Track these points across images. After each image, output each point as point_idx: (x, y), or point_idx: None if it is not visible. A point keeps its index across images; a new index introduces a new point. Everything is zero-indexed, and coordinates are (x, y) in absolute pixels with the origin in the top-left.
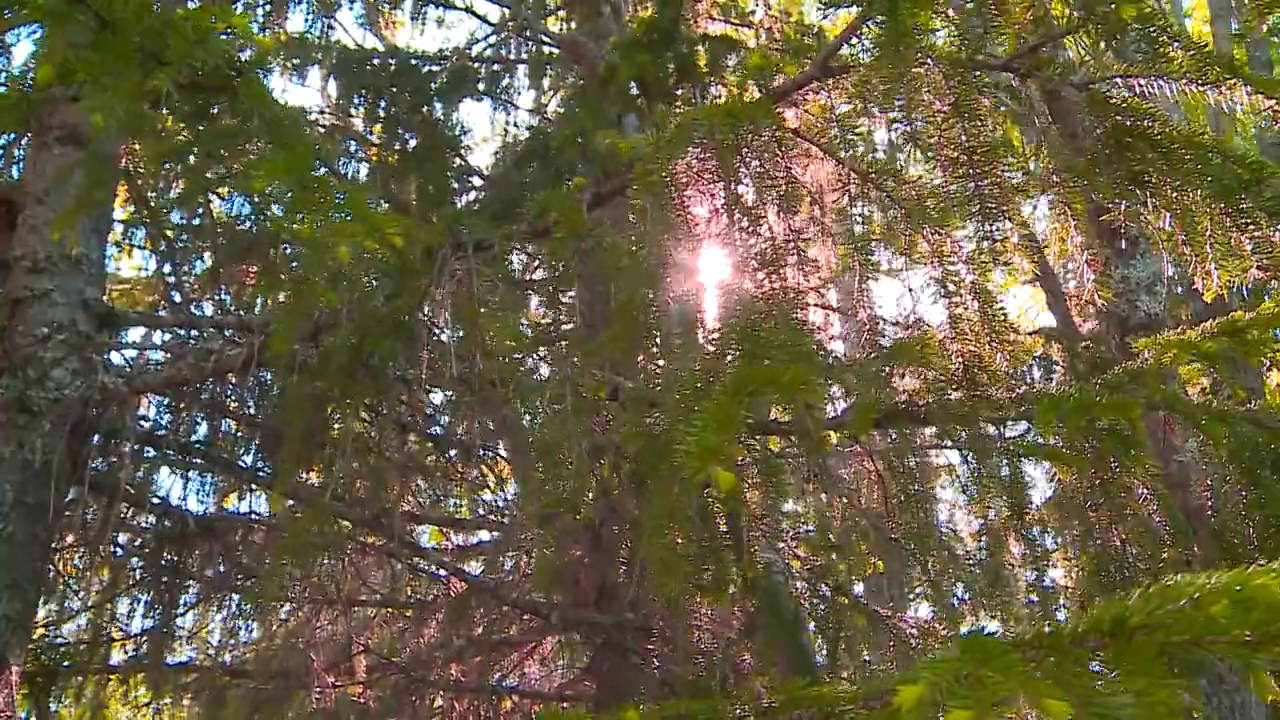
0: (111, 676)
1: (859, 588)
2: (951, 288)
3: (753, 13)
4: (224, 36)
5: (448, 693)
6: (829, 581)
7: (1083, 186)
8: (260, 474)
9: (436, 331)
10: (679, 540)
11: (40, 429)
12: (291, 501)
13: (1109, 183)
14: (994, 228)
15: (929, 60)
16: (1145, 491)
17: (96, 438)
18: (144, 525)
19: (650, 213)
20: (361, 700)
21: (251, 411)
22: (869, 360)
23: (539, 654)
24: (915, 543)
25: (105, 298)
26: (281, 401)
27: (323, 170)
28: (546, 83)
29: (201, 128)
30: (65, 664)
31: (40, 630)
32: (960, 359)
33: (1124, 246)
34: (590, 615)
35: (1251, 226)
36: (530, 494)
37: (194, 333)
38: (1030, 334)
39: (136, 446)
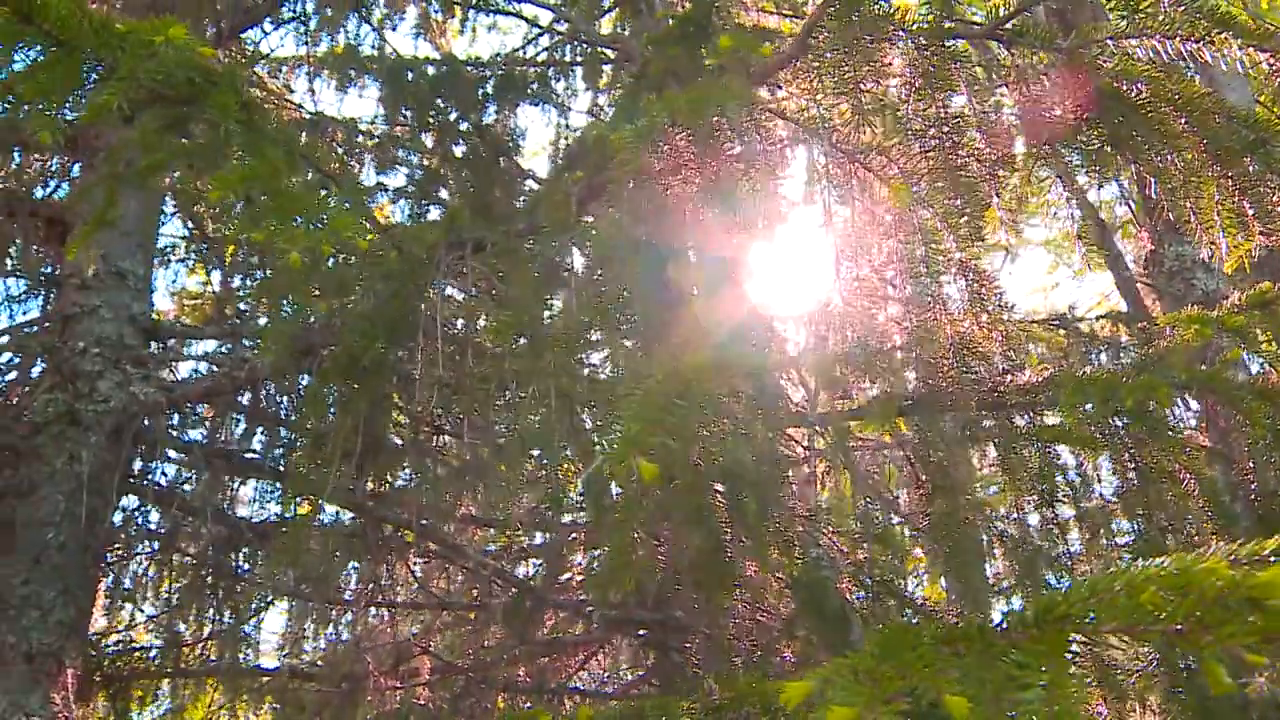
0: (185, 681)
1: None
2: (939, 267)
3: (805, 3)
4: (172, 50)
5: (508, 694)
6: (874, 575)
7: (1057, 156)
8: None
9: (432, 331)
10: (700, 540)
11: (88, 440)
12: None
13: (1087, 151)
14: (966, 201)
15: (900, 30)
16: (1186, 476)
17: (142, 447)
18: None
19: (626, 203)
20: (423, 703)
21: (286, 417)
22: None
23: (602, 655)
24: (945, 533)
25: (166, 311)
26: (304, 405)
27: (312, 176)
28: (603, 83)
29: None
30: (133, 669)
31: (114, 636)
32: (950, 342)
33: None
34: (635, 615)
35: (1255, 191)
36: (515, 490)
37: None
38: (1098, 318)
39: (182, 455)
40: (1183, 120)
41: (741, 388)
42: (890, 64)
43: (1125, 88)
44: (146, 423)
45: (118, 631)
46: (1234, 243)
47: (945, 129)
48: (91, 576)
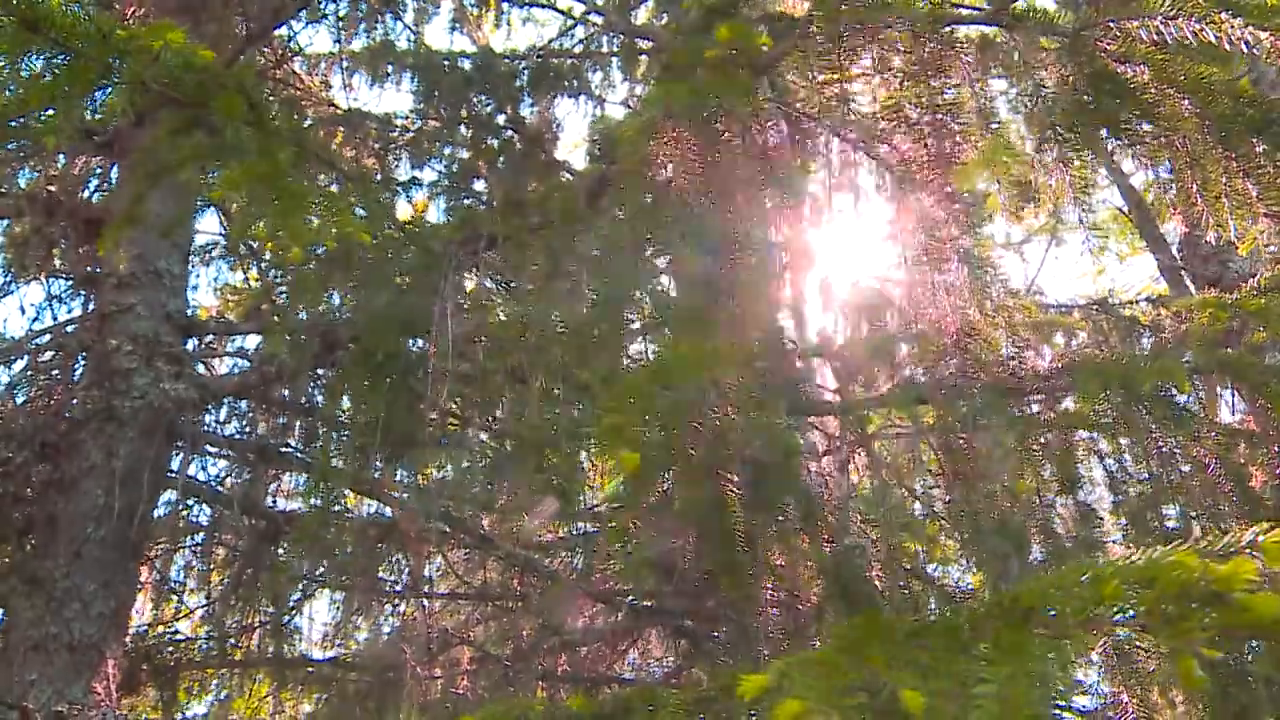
0: (232, 671)
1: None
2: (938, 254)
3: None
4: (171, 54)
5: (547, 684)
6: (905, 564)
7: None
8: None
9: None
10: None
11: (125, 436)
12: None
13: (1083, 132)
14: (954, 190)
15: (898, 18)
16: (1212, 461)
17: (180, 443)
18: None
19: (628, 195)
20: (463, 692)
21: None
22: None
23: (635, 646)
24: (965, 520)
25: (210, 307)
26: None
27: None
28: (639, 74)
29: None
30: (180, 660)
31: (160, 628)
32: (952, 328)
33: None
34: (667, 604)
35: (1261, 172)
36: (522, 484)
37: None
38: (1133, 302)
39: (220, 450)
40: (1185, 102)
41: (732, 377)
42: (887, 52)
43: (1127, 70)
44: (183, 418)
45: (165, 624)
46: (1242, 225)
47: (940, 115)
48: (131, 569)
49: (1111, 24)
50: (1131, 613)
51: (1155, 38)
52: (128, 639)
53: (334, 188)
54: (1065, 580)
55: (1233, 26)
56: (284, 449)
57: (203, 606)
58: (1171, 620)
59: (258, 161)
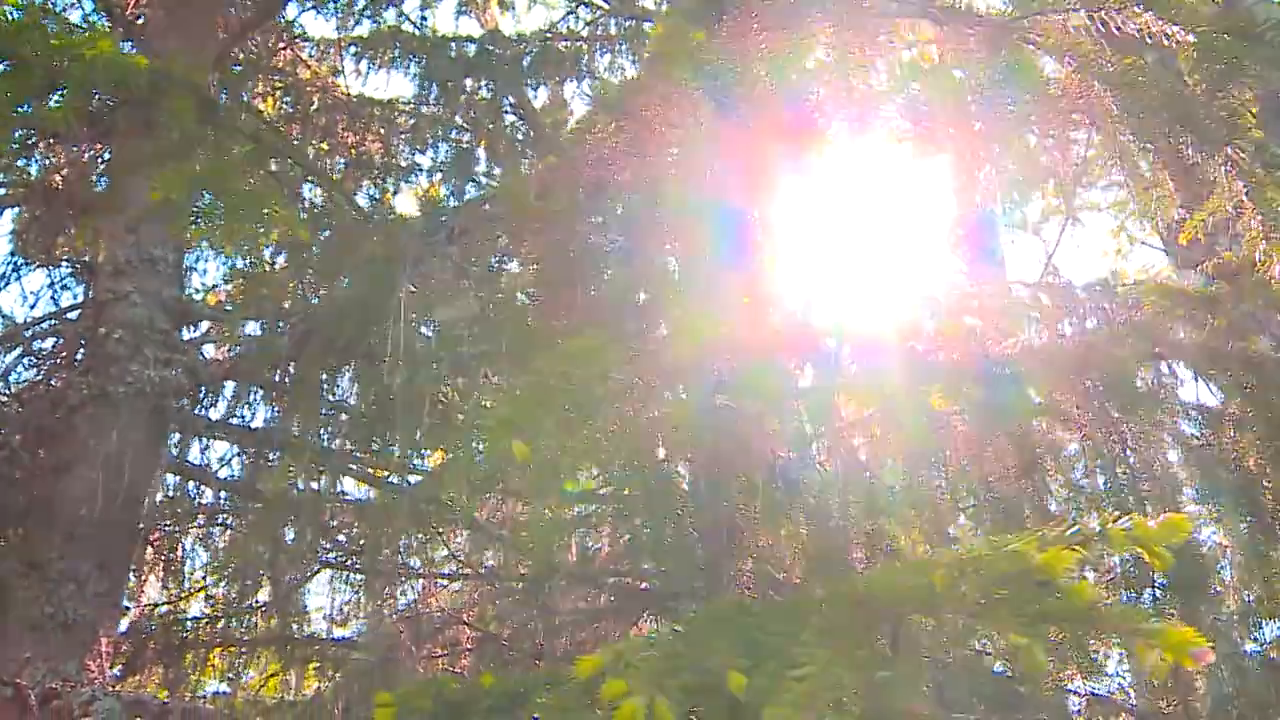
0: (236, 649)
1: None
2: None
3: None
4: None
5: (544, 664)
6: (885, 545)
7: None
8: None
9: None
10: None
11: (119, 421)
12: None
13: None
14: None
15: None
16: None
17: (174, 427)
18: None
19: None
20: (462, 672)
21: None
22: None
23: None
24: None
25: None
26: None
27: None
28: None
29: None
30: (185, 639)
31: (166, 607)
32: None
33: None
34: (650, 586)
35: (1182, 163)
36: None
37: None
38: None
39: (215, 434)
40: (1109, 95)
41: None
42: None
43: (1050, 63)
44: (176, 403)
45: (170, 604)
46: (1170, 215)
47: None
48: (127, 550)
49: (1039, 17)
50: (960, 599)
51: (1081, 31)
52: (132, 619)
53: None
54: (904, 569)
55: (1150, 20)
56: (279, 432)
57: (206, 587)
58: (998, 606)
59: (206, 161)
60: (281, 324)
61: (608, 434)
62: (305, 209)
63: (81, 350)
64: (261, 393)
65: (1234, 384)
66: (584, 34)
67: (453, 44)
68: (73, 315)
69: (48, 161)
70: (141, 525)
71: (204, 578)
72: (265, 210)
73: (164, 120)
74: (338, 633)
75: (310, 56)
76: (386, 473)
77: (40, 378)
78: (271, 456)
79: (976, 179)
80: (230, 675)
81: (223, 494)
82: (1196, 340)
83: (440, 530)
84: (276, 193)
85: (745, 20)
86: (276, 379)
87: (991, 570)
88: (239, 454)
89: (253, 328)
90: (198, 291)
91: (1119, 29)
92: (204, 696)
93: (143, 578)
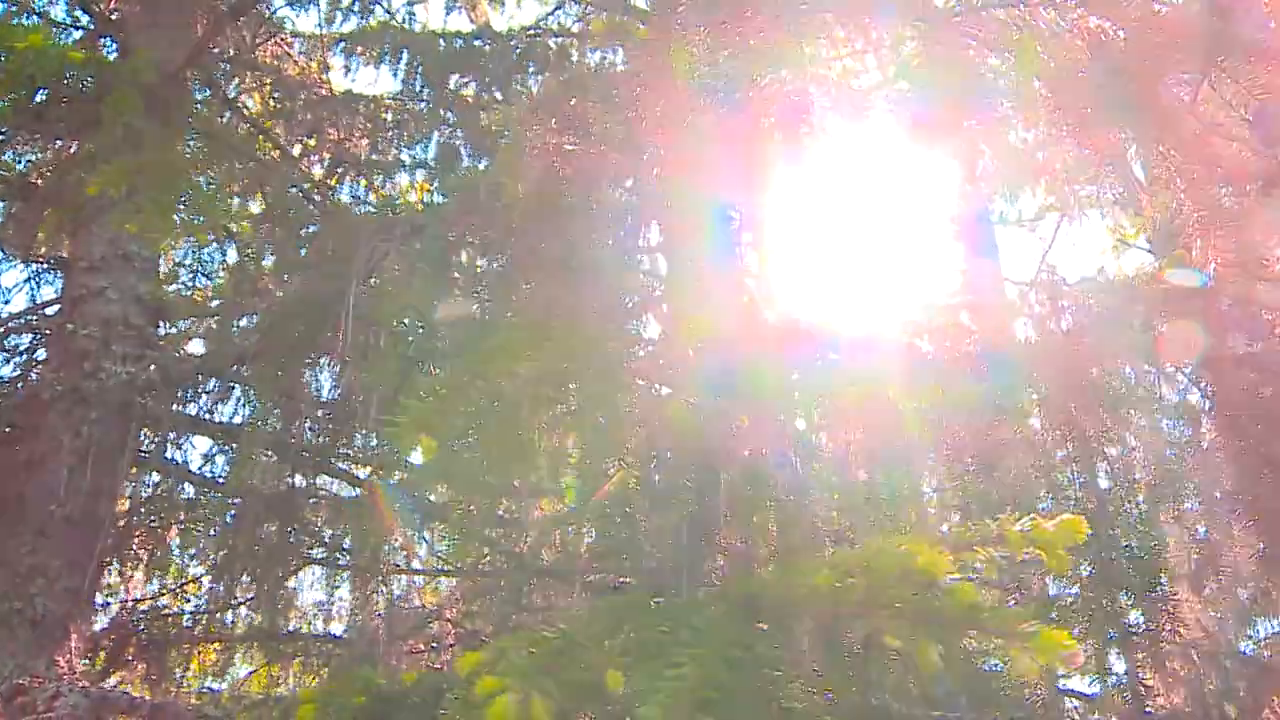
0: (218, 646)
1: None
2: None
3: None
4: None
5: None
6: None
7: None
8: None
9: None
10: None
11: (90, 417)
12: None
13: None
14: None
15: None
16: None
17: (148, 423)
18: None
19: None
20: (443, 668)
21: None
22: None
23: None
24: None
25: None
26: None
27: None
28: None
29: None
30: (168, 635)
31: (148, 602)
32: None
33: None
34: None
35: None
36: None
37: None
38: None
39: (186, 429)
40: (1041, 86)
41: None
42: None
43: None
44: (149, 399)
45: (152, 600)
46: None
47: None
48: (97, 546)
49: (982, 12)
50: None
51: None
52: (114, 615)
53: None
54: (803, 570)
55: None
56: (255, 428)
57: (189, 583)
58: (879, 605)
59: (145, 158)
60: (246, 319)
61: (539, 431)
62: (270, 205)
63: (53, 346)
64: (236, 388)
65: (1211, 381)
66: (574, 30)
67: (441, 40)
68: (51, 310)
69: (32, 158)
70: (117, 521)
71: (184, 574)
72: (204, 206)
73: (107, 116)
74: (322, 629)
75: (298, 52)
76: (366, 469)
77: (17, 373)
78: (250, 453)
79: (970, 174)
80: (215, 671)
81: (204, 490)
82: (1178, 337)
83: (422, 527)
84: (216, 190)
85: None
86: (249, 374)
87: (878, 571)
88: (220, 450)
89: (220, 323)
90: (186, 288)
91: (1057, 25)
92: (190, 693)
93: (127, 575)
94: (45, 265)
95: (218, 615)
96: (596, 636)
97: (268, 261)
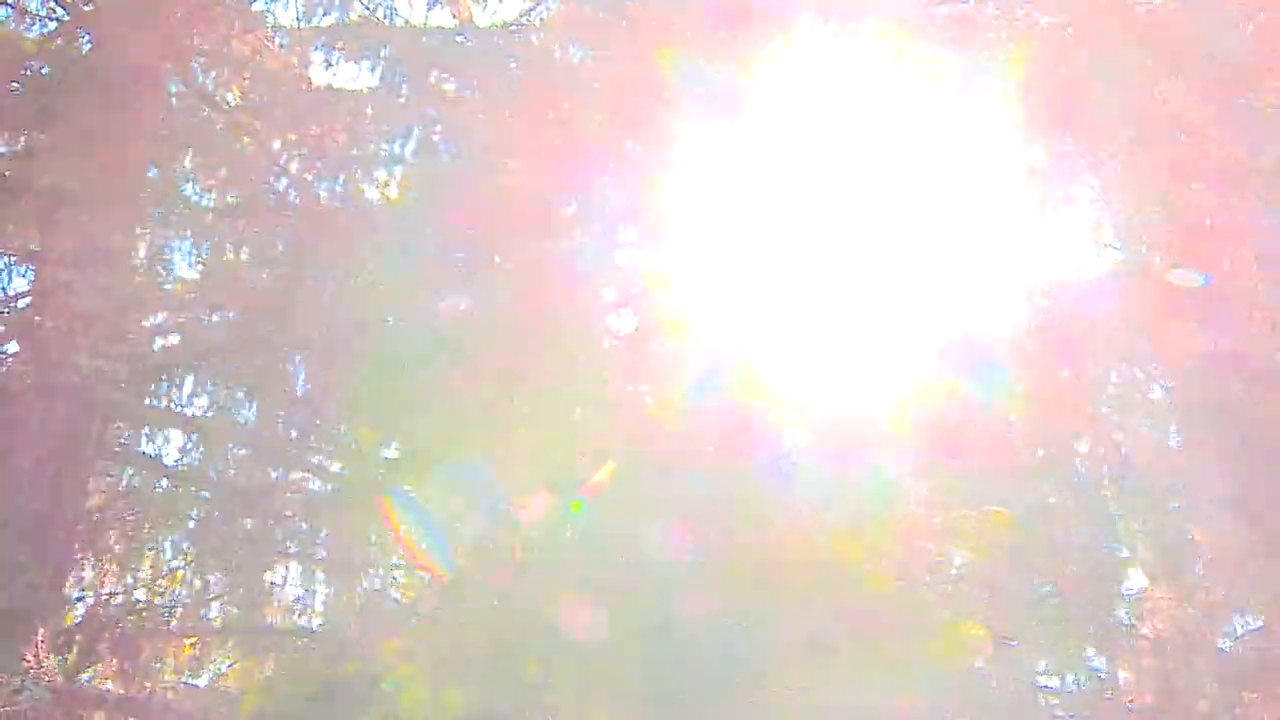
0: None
1: None
2: None
3: None
4: None
5: None
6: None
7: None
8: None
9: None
10: None
11: (60, 411)
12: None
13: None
14: None
15: None
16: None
17: (117, 417)
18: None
19: None
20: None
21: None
22: None
23: None
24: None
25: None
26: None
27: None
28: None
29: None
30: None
31: (121, 596)
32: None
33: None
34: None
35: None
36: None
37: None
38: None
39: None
40: (996, 84)
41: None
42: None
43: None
44: (118, 392)
45: (124, 594)
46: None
47: None
48: (66, 540)
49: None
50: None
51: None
52: (88, 610)
53: None
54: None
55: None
56: (229, 421)
57: (164, 577)
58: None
59: (108, 150)
60: (218, 314)
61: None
62: (245, 199)
63: (21, 339)
64: (209, 382)
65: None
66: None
67: (423, 35)
68: (20, 303)
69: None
70: (91, 516)
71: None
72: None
73: (67, 109)
74: (298, 623)
75: (278, 46)
76: (342, 464)
77: None
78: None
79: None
80: (191, 666)
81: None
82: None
83: (397, 522)
84: (186, 182)
85: None
86: (222, 368)
87: (801, 559)
88: (193, 445)
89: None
90: (166, 282)
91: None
92: (166, 688)
93: (102, 569)
94: (14, 258)
95: (194, 610)
96: (520, 629)
97: (243, 255)
